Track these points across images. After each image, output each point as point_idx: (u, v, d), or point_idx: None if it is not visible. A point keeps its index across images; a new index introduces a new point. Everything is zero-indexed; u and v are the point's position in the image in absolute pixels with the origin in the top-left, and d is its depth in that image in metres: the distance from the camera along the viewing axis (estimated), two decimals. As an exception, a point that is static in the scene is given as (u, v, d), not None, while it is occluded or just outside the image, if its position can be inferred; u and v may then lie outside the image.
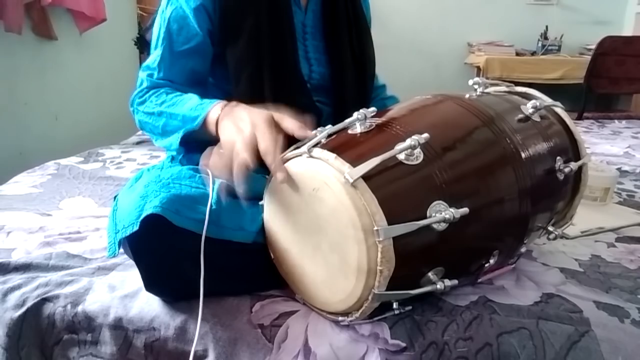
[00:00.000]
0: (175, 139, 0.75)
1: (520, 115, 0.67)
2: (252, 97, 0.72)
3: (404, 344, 0.57)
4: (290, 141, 0.62)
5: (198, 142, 0.74)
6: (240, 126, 0.63)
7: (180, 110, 0.75)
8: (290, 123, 0.63)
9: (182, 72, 0.83)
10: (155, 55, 0.83)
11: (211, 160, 0.62)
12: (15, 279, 0.71)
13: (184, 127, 0.73)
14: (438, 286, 0.55)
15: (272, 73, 0.83)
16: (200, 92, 0.78)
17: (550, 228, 0.70)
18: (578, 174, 0.72)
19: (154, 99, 0.80)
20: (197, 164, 0.78)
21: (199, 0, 0.80)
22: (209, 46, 0.84)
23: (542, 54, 3.19)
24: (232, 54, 0.83)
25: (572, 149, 0.72)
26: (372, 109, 0.59)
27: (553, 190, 0.68)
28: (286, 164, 0.58)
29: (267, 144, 0.59)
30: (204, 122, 0.70)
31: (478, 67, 3.15)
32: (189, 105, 0.74)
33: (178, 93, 0.80)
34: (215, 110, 0.70)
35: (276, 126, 0.63)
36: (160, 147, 0.81)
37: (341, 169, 0.52)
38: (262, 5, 0.83)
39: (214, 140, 0.67)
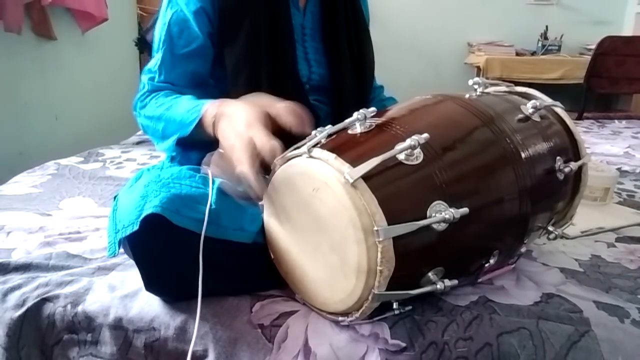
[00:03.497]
0: (170, 144, 0.75)
1: (520, 115, 0.67)
2: None
3: (404, 344, 0.57)
4: (290, 140, 0.62)
5: (196, 142, 0.75)
6: (237, 128, 0.63)
7: (177, 113, 0.75)
8: (288, 119, 0.63)
9: (183, 75, 0.83)
10: (156, 59, 0.84)
11: (214, 164, 0.62)
12: (15, 279, 0.71)
13: (181, 130, 0.73)
14: (438, 286, 0.55)
15: (270, 75, 0.83)
16: (201, 93, 0.78)
17: (550, 228, 0.70)
18: (578, 174, 0.72)
19: (153, 102, 0.81)
20: (196, 163, 0.78)
21: (198, 3, 0.81)
22: (209, 49, 0.84)
23: (542, 54, 3.19)
24: (230, 55, 0.83)
25: (572, 149, 0.72)
26: (372, 109, 0.59)
27: (553, 190, 0.68)
28: (286, 164, 0.58)
29: (262, 146, 0.59)
30: (200, 124, 0.70)
31: (478, 67, 3.15)
32: (185, 108, 0.74)
33: (176, 95, 0.80)
34: (209, 112, 0.70)
35: (273, 122, 0.63)
36: (161, 150, 0.81)
37: (341, 169, 0.52)
38: (260, 7, 0.83)
39: (212, 140, 0.67)
